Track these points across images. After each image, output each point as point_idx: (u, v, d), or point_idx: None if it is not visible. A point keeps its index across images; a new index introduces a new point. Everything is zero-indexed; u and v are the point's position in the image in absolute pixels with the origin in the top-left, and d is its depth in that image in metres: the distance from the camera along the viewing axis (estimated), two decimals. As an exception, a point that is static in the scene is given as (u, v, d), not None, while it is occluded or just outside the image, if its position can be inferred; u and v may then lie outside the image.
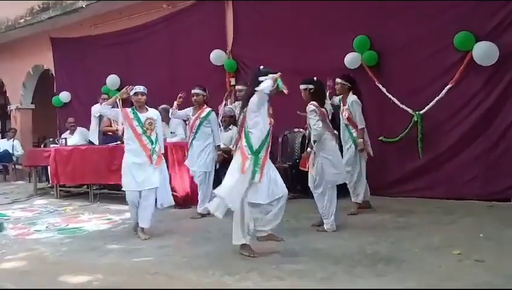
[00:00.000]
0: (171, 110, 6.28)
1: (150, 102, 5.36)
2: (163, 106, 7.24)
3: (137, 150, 5.08)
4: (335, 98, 6.00)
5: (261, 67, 4.26)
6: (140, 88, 5.15)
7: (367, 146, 5.94)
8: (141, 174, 5.06)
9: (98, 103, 8.89)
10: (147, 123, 5.11)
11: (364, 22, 7.07)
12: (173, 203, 5.50)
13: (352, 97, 5.85)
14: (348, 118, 5.87)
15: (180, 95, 6.03)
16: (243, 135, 4.19)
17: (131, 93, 5.12)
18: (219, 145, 6.23)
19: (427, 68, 6.62)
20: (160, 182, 5.15)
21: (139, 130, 5.07)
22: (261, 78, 4.11)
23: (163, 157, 5.30)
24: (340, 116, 5.97)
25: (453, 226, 5.03)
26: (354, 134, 5.84)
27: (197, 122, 6.07)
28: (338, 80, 5.92)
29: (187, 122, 6.54)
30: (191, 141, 6.13)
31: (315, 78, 5.12)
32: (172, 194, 5.57)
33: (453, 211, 5.73)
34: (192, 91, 6.14)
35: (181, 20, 9.24)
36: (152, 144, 5.10)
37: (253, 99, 4.13)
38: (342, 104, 5.97)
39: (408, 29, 6.76)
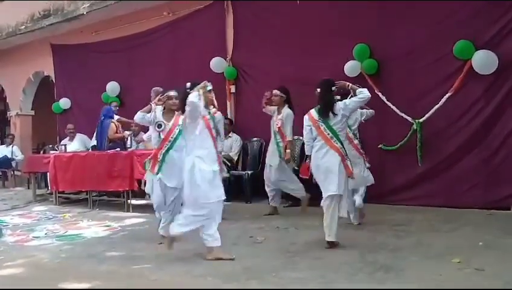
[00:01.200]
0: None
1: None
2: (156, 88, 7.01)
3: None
4: (269, 107, 6.45)
5: (188, 84, 4.46)
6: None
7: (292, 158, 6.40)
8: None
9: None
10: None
11: (364, 31, 7.09)
12: None
13: (287, 110, 6.25)
14: (279, 128, 6.20)
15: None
16: None
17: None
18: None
19: (427, 76, 6.65)
20: None
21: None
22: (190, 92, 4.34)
23: None
24: (272, 125, 6.38)
25: (452, 235, 5.03)
26: (281, 144, 6.22)
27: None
28: (276, 92, 6.30)
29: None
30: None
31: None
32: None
33: (453, 219, 5.73)
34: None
35: (181, 27, 9.28)
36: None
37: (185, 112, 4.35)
38: (276, 114, 6.34)
39: (408, 38, 6.79)
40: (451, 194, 6.47)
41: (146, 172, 5.42)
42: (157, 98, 5.13)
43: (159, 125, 5.04)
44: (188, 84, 4.44)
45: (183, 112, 4.44)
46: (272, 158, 6.38)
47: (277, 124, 6.26)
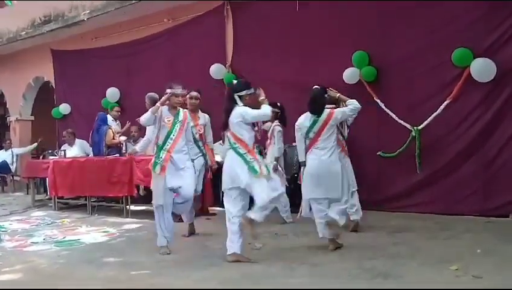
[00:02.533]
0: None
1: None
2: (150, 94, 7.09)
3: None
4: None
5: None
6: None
7: None
8: None
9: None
10: None
11: (363, 38, 7.12)
12: None
13: (205, 116, 6.16)
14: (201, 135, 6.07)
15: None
16: None
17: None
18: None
19: (425, 84, 6.67)
20: None
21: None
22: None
23: None
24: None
25: (451, 242, 5.03)
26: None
27: None
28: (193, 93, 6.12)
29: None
30: None
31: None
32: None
33: (451, 226, 5.73)
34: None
35: (181, 34, 9.32)
36: None
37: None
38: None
39: (406, 45, 6.81)
40: (450, 201, 6.47)
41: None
42: (163, 98, 5.07)
43: None
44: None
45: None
46: None
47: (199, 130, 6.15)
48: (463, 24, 6.38)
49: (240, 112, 4.45)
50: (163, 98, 5.06)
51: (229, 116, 4.49)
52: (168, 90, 5.02)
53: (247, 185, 4.36)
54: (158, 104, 5.03)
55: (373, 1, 7.01)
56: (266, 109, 4.47)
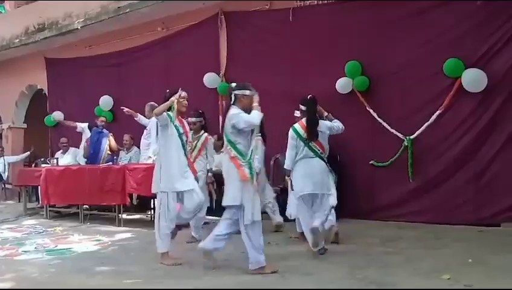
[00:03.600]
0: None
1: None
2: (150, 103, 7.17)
3: None
4: None
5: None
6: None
7: None
8: None
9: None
10: None
11: (356, 48, 7.17)
12: None
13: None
14: None
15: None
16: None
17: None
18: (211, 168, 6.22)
19: (418, 94, 6.72)
20: None
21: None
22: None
23: None
24: None
25: (442, 251, 5.04)
26: None
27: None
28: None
29: None
30: None
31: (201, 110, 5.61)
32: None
33: (443, 236, 5.76)
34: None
35: (175, 43, 9.35)
36: None
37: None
38: None
39: (399, 56, 6.88)
40: (442, 210, 6.50)
41: None
42: (177, 95, 5.00)
43: None
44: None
45: None
46: None
47: None
48: (454, 35, 6.45)
49: (233, 114, 4.44)
50: (177, 95, 4.98)
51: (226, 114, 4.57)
52: (183, 93, 5.00)
53: None
54: (173, 98, 4.93)
55: (377, 1, 7.01)
56: (253, 116, 4.42)
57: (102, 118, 9.15)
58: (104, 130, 8.84)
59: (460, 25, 6.42)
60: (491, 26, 6.24)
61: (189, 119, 5.90)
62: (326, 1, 7.62)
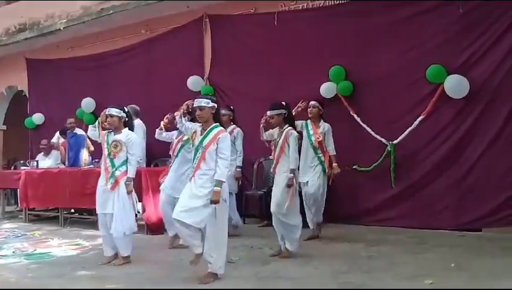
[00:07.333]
0: (157, 131, 6.07)
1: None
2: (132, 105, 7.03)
3: (102, 172, 5.09)
4: (270, 131, 5.66)
5: None
6: (111, 110, 5.10)
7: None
8: (100, 197, 5.04)
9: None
10: (112, 145, 5.01)
11: (340, 53, 7.20)
12: (135, 229, 5.17)
13: (325, 123, 6.15)
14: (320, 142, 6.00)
15: (167, 115, 5.64)
16: None
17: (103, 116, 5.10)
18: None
19: (401, 99, 6.77)
20: (118, 208, 4.90)
21: (105, 151, 5.05)
22: None
23: (121, 183, 4.97)
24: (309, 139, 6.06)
25: (425, 256, 5.07)
26: (323, 158, 6.00)
27: (178, 145, 5.81)
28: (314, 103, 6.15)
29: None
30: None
31: (284, 102, 5.34)
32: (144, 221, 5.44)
33: (425, 240, 5.79)
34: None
35: (159, 45, 9.27)
36: (113, 167, 4.98)
37: None
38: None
39: (382, 61, 6.91)
40: (424, 215, 6.54)
41: None
42: (102, 112, 5.15)
43: None
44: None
45: None
46: (309, 174, 6.02)
47: (318, 138, 6.00)
48: (437, 42, 6.51)
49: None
50: (101, 114, 5.18)
51: None
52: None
53: None
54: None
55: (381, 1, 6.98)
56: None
57: (70, 119, 9.06)
58: (78, 132, 8.76)
59: (443, 32, 6.49)
60: (473, 34, 6.31)
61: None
62: (312, 1, 7.62)
